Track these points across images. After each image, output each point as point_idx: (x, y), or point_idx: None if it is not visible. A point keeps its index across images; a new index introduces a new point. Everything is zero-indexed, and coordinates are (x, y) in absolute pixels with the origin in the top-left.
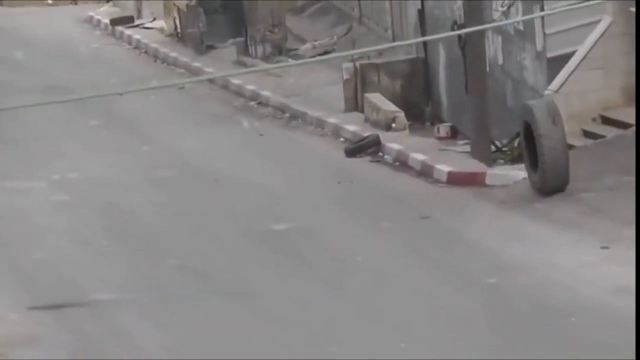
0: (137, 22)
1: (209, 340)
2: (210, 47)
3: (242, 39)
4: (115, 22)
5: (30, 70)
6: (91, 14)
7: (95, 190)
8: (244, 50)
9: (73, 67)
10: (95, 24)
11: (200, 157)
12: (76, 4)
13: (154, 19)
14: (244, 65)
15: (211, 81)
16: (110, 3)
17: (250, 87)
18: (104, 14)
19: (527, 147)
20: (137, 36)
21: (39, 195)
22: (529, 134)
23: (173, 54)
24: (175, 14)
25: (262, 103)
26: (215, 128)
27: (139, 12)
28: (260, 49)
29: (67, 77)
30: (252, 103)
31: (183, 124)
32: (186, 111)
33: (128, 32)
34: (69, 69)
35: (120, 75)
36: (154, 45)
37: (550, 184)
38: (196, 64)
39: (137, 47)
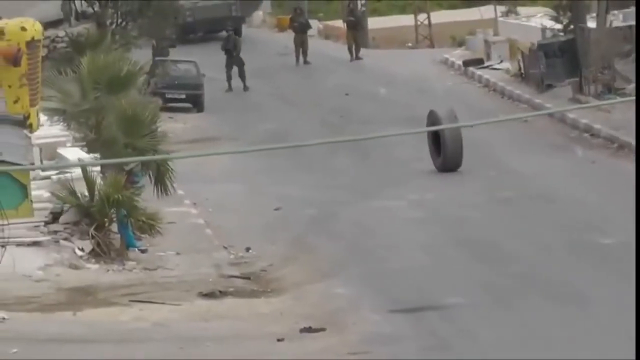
0: (486, 63)
1: (541, 339)
2: (550, 86)
3: (577, 79)
4: (467, 63)
5: (391, 104)
6: (446, 56)
7: (447, 208)
8: (579, 89)
9: (429, 102)
10: (450, 65)
11: (538, 180)
12: (433, 47)
13: (501, 61)
14: (578, 102)
15: (550, 115)
16: (463, 47)
17: (584, 120)
18: (457, 56)
19: (432, 140)
20: (486, 76)
21: (398, 213)
22: (435, 133)
23: (517, 92)
24: (519, 57)
25: (594, 135)
26: (552, 156)
27: (488, 55)
28: (592, 88)
29: (424, 110)
30: (586, 135)
31: (525, 152)
32: (528, 141)
33: (478, 72)
34: (425, 104)
35: (471, 110)
36: (501, 83)
37: (449, 165)
38: (537, 100)
39: (486, 86)
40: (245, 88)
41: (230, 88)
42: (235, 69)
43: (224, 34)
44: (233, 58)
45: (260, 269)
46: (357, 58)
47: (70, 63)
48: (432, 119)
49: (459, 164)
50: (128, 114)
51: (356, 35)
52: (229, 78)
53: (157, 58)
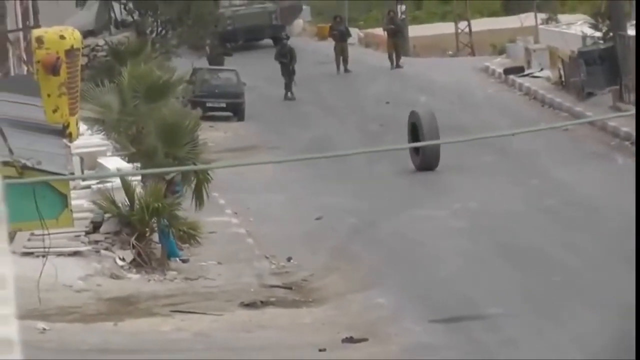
0: (527, 71)
1: (583, 348)
2: (590, 94)
3: (617, 86)
4: (508, 71)
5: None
6: (487, 64)
7: (490, 217)
8: (619, 97)
9: (470, 110)
10: (490, 73)
11: (579, 189)
12: (474, 55)
13: (542, 69)
14: (619, 110)
15: (591, 123)
16: (504, 55)
17: (625, 128)
18: (497, 64)
19: (412, 139)
20: (526, 84)
21: (442, 222)
22: (415, 131)
23: (558, 100)
24: (560, 65)
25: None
26: (593, 164)
27: (529, 63)
28: (632, 96)
29: (465, 118)
30: (627, 143)
31: (566, 160)
32: (569, 149)
33: (519, 80)
34: (466, 112)
35: (512, 118)
36: (541, 92)
37: (427, 164)
38: (578, 109)
39: (526, 94)
40: (292, 97)
41: (290, 96)
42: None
43: (265, 42)
44: (287, 67)
45: (301, 278)
46: (398, 66)
47: (109, 72)
48: (413, 118)
49: (436, 164)
50: (168, 123)
51: (397, 43)
52: (287, 87)
53: (211, 67)
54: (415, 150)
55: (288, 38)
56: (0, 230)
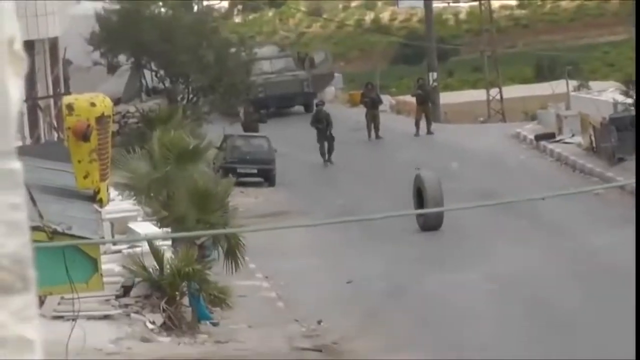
0: (558, 137)
1: None
2: (621, 160)
3: None
4: (539, 137)
5: (463, 178)
6: (518, 130)
7: (520, 281)
8: None
9: (502, 176)
10: (522, 139)
11: (610, 254)
12: (505, 121)
13: (573, 135)
14: None
15: (621, 188)
16: (535, 121)
17: None
18: (529, 130)
19: (417, 203)
20: (558, 150)
21: (471, 285)
22: (420, 194)
23: (589, 165)
24: (591, 131)
25: None
26: (624, 228)
27: (560, 129)
28: None
29: (497, 184)
30: None
31: (597, 225)
32: (599, 214)
33: (550, 146)
34: (498, 177)
35: (542, 183)
36: (572, 157)
37: (431, 224)
38: (609, 174)
39: (557, 159)
40: (330, 162)
41: (325, 162)
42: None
43: (296, 109)
44: (324, 133)
45: (331, 341)
46: (429, 132)
47: (140, 138)
48: (418, 182)
49: (440, 224)
50: (199, 189)
51: (426, 109)
52: (322, 153)
53: (242, 133)
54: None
55: (323, 104)
56: (29, 294)
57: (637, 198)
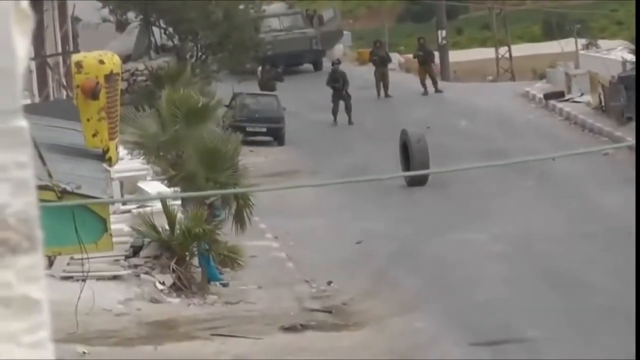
0: (567, 96)
1: None
2: (630, 119)
3: None
4: (548, 96)
5: (471, 136)
6: (527, 89)
7: (529, 241)
8: None
9: (509, 135)
10: (531, 98)
11: (619, 213)
12: (514, 80)
13: (582, 94)
14: None
15: (631, 148)
16: (544, 80)
17: None
18: (538, 89)
19: (403, 157)
20: (567, 109)
21: (480, 246)
22: (405, 149)
23: (598, 124)
24: (600, 90)
25: None
26: (633, 189)
27: (569, 88)
28: None
29: (504, 143)
30: None
31: (605, 185)
32: (608, 174)
33: (559, 105)
34: (506, 136)
35: (552, 142)
36: (581, 116)
37: (417, 178)
38: (618, 133)
39: (566, 119)
40: (350, 122)
41: (335, 121)
42: (341, 104)
43: (305, 67)
44: (339, 92)
45: (341, 302)
46: (437, 91)
47: (149, 96)
48: (403, 136)
49: (425, 179)
50: (209, 148)
51: (428, 69)
52: (335, 112)
53: (250, 92)
54: (406, 166)
55: (340, 62)
56: (36, 254)
57: (637, 166)
